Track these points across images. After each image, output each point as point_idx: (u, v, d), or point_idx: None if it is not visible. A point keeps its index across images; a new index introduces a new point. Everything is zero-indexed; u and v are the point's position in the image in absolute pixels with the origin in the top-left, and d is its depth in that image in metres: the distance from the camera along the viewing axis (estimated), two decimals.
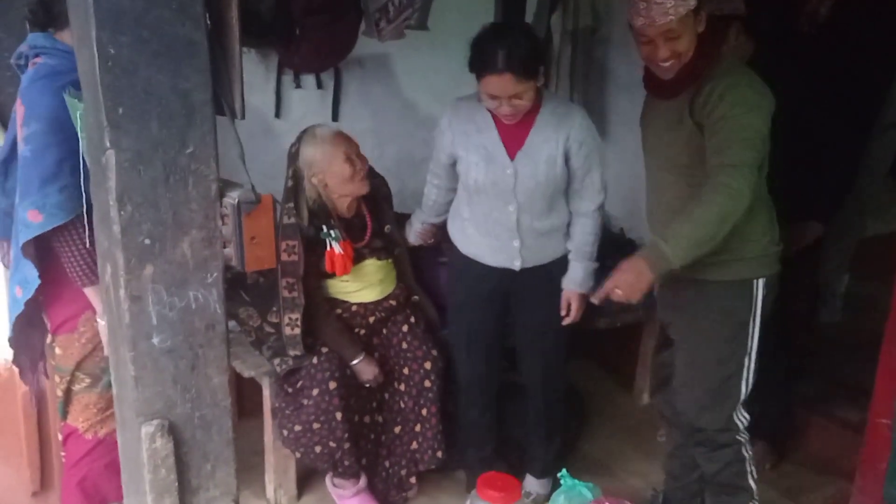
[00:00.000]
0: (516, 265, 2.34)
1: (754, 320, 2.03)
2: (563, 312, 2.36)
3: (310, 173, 2.38)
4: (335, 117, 3.11)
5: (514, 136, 2.25)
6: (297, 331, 2.37)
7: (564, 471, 2.13)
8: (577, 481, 2.09)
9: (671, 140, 2.01)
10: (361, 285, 2.54)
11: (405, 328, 2.59)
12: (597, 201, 2.34)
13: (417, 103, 3.32)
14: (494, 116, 2.24)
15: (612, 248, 3.34)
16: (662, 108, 2.04)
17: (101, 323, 1.96)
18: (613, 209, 3.53)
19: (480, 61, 2.10)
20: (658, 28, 1.86)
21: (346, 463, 2.43)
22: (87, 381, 2.07)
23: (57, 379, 2.09)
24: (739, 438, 2.11)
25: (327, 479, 2.56)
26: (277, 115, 3.02)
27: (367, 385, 2.47)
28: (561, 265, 2.38)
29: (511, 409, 2.88)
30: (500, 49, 2.06)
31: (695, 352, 2.10)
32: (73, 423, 2.11)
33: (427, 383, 2.52)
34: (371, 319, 2.55)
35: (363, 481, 2.50)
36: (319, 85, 3.08)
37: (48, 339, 2.10)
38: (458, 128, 2.31)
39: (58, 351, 2.06)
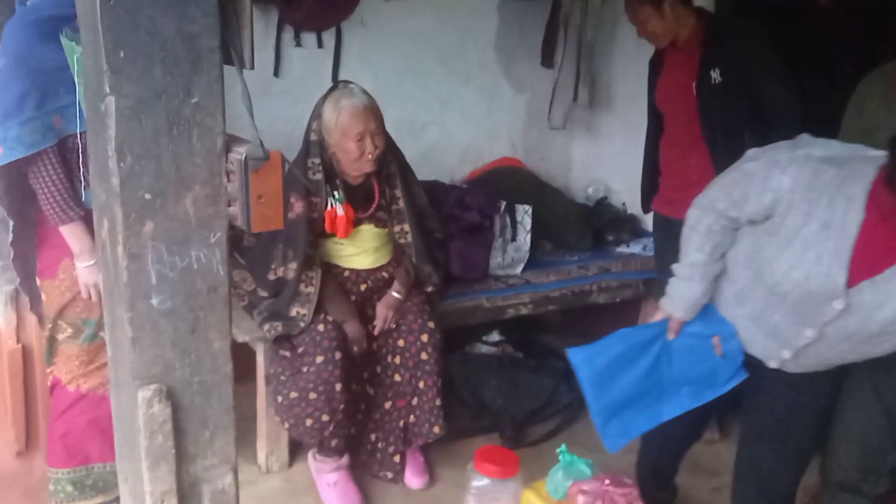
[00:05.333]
0: (772, 365, 1.84)
1: None
2: None
3: (326, 136, 2.34)
4: (335, 78, 3.02)
5: (874, 252, 1.52)
6: None
7: (564, 446, 2.10)
8: (575, 457, 2.05)
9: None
10: (356, 250, 2.48)
11: None
12: None
13: (420, 66, 3.23)
14: (869, 212, 1.51)
15: (616, 224, 3.31)
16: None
17: (79, 266, 1.93)
18: (616, 184, 3.48)
19: None
20: None
21: (333, 443, 2.38)
22: (70, 331, 2.05)
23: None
24: None
25: (310, 454, 2.53)
26: (276, 73, 2.93)
27: (355, 348, 2.41)
28: None
29: (512, 384, 2.85)
30: None
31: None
32: (57, 373, 2.10)
33: (424, 356, 2.47)
34: (363, 287, 2.50)
35: (345, 460, 2.46)
36: (320, 44, 2.99)
37: (38, 283, 2.07)
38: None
39: (43, 297, 2.04)
